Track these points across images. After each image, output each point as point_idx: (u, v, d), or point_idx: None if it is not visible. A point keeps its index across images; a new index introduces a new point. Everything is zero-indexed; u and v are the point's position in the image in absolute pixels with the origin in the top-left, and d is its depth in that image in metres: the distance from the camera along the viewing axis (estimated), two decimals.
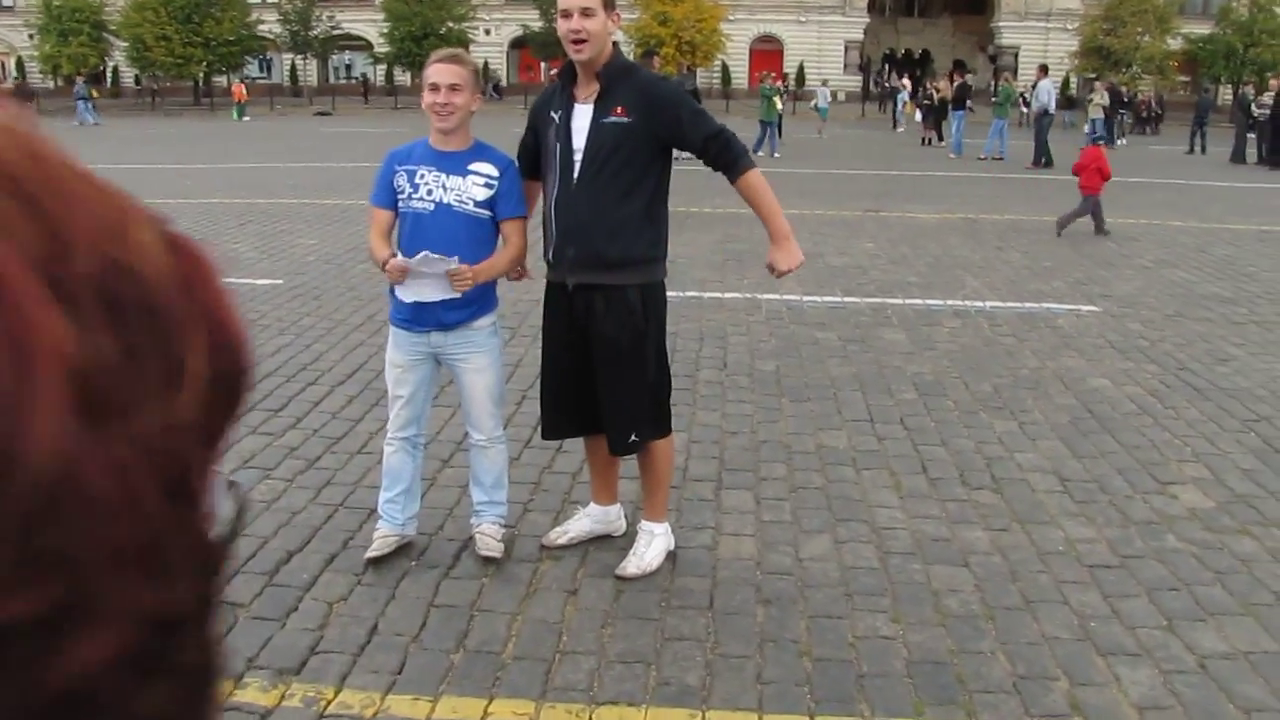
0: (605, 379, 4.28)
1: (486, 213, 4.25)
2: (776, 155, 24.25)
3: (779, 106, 25.62)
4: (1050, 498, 5.30)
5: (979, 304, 9.48)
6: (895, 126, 38.72)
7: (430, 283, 4.18)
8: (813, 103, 36.35)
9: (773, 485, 5.39)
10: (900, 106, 39.12)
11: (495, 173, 4.26)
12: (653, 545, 4.50)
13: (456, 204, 4.19)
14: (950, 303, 9.47)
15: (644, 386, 4.32)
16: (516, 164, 4.38)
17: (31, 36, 54.79)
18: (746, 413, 6.44)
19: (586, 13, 4.01)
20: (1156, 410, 6.61)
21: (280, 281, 9.93)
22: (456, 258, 4.12)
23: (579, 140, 4.13)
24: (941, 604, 4.27)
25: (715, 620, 4.11)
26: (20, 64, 60.70)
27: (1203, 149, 29.06)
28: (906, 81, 44.02)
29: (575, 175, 4.13)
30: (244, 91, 45.27)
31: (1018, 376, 7.28)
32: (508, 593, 4.30)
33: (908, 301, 9.49)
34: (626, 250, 4.15)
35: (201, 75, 54.39)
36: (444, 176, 4.21)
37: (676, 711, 3.53)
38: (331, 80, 61.07)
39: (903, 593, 4.35)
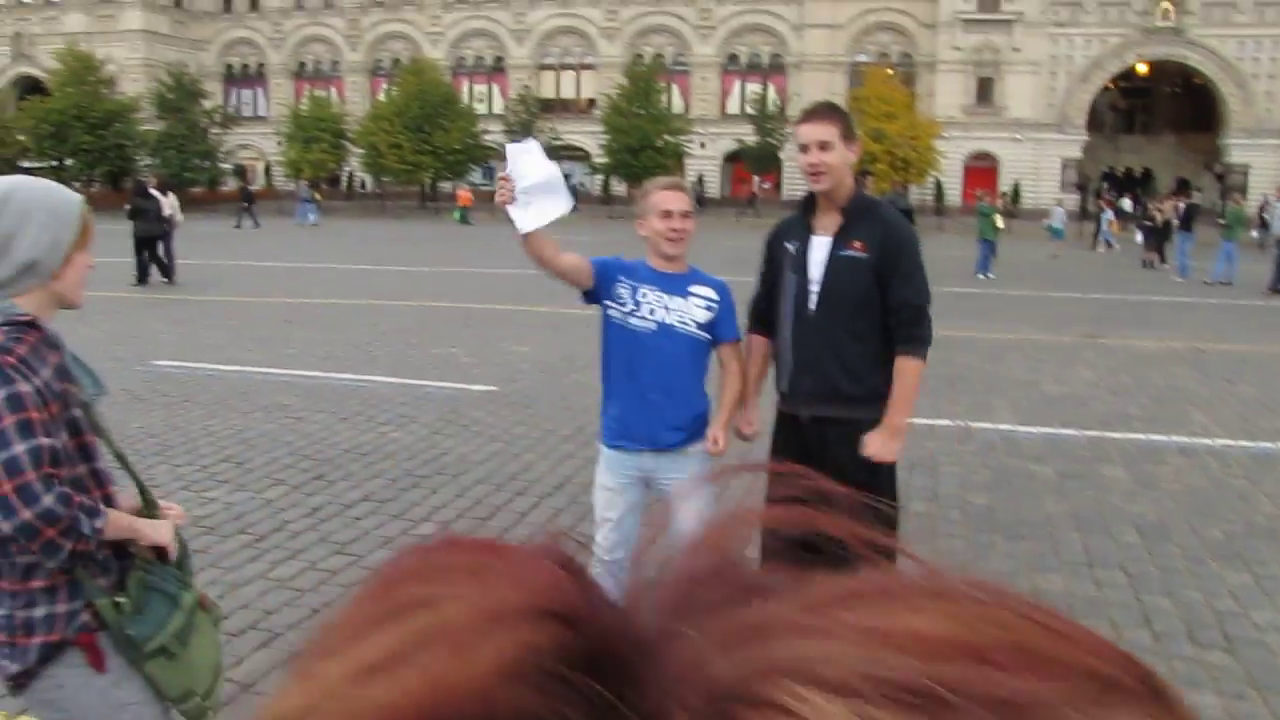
0: None
1: (706, 335, 4.29)
2: (991, 275, 23.80)
3: (999, 224, 25.15)
4: None
5: (1207, 441, 8.98)
6: (1095, 246, 37.43)
7: (548, 200, 3.98)
8: (1045, 222, 35.71)
9: None
10: (1105, 225, 37.86)
11: (715, 296, 4.31)
12: None
13: (679, 325, 4.22)
14: (1176, 439, 9.02)
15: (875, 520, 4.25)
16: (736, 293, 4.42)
17: (279, 143, 58.81)
18: (958, 549, 6.23)
19: (824, 146, 4.06)
20: None
21: (495, 388, 10.21)
22: (537, 142, 4.12)
23: (815, 272, 4.17)
24: None
25: None
26: (268, 168, 65.09)
27: None
28: (1106, 200, 42.60)
29: (812, 307, 4.16)
30: (469, 196, 47.54)
31: (1252, 524, 6.83)
32: None
33: (1129, 436, 9.07)
34: (862, 385, 4.15)
35: (428, 181, 57.32)
36: (666, 297, 4.25)
37: None
38: None
39: None
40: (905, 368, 4.13)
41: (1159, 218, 30.15)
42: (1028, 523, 6.76)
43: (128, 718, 2.37)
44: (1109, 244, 37.20)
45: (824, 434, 4.20)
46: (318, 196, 46.44)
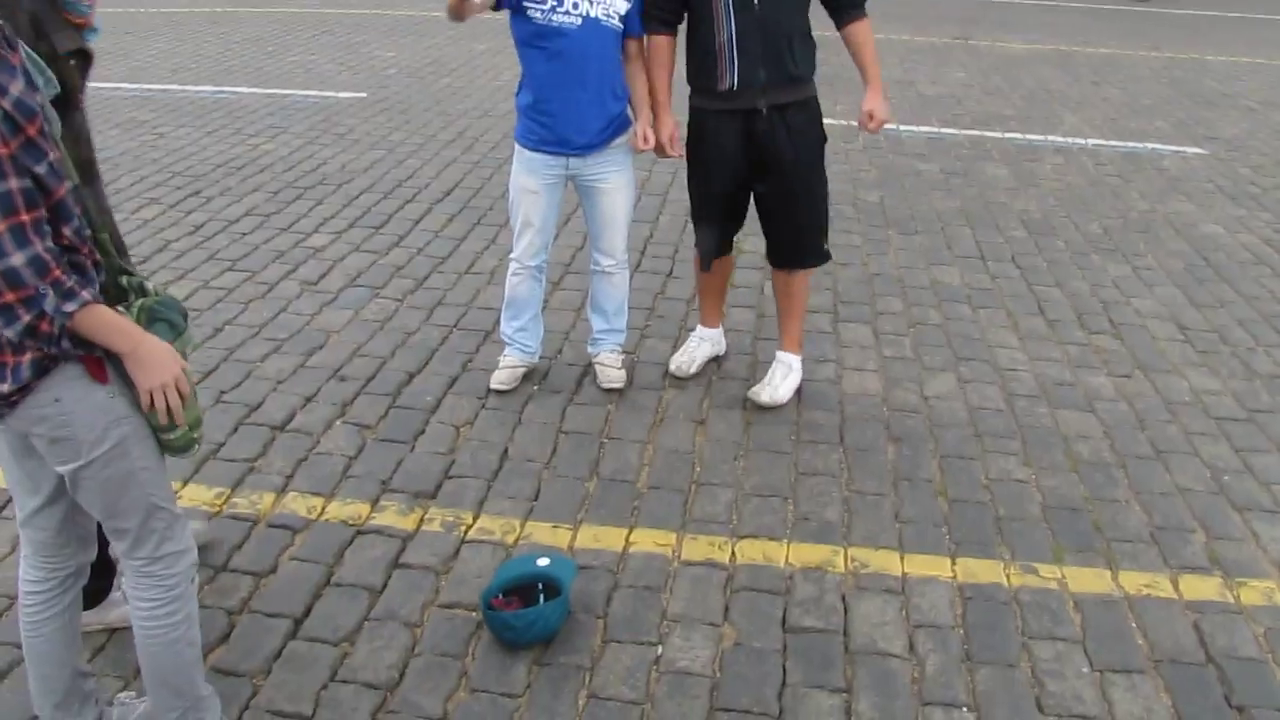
0: (799, 193, 4.26)
1: (622, 26, 4.05)
2: None
3: None
4: (1171, 346, 5.17)
5: (1080, 141, 9.15)
6: None
7: None
8: None
9: (890, 320, 5.30)
10: None
11: None
12: (788, 378, 4.48)
13: (604, 18, 3.94)
14: (1051, 138, 9.16)
15: (826, 194, 4.42)
16: None
17: None
18: (855, 244, 6.30)
19: None
20: (1274, 260, 6.40)
21: (364, 95, 9.74)
22: None
23: None
24: (1072, 449, 4.21)
25: (847, 456, 4.08)
26: None
27: None
28: None
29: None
30: None
31: (1127, 219, 7.05)
32: (635, 421, 4.28)
33: (1006, 135, 9.17)
34: (807, 63, 4.13)
35: None
36: None
37: (819, 548, 3.52)
38: None
39: (1031, 436, 4.29)
40: (863, 29, 4.22)
41: None
42: (919, 218, 6.85)
43: (127, 429, 2.21)
44: None
45: (784, 119, 4.11)
46: None
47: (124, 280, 2.27)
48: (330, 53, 11.81)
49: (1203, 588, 3.44)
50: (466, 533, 3.55)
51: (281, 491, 3.75)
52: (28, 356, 2.07)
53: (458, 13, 3.75)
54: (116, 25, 13.30)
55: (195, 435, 2.33)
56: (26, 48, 2.07)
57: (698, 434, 4.20)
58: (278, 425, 4.18)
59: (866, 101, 4.25)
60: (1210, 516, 3.81)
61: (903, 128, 9.09)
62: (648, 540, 3.53)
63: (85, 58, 2.54)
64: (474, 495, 3.75)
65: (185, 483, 3.78)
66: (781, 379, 4.48)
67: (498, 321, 4.68)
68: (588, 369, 4.65)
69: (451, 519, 3.62)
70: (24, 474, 2.35)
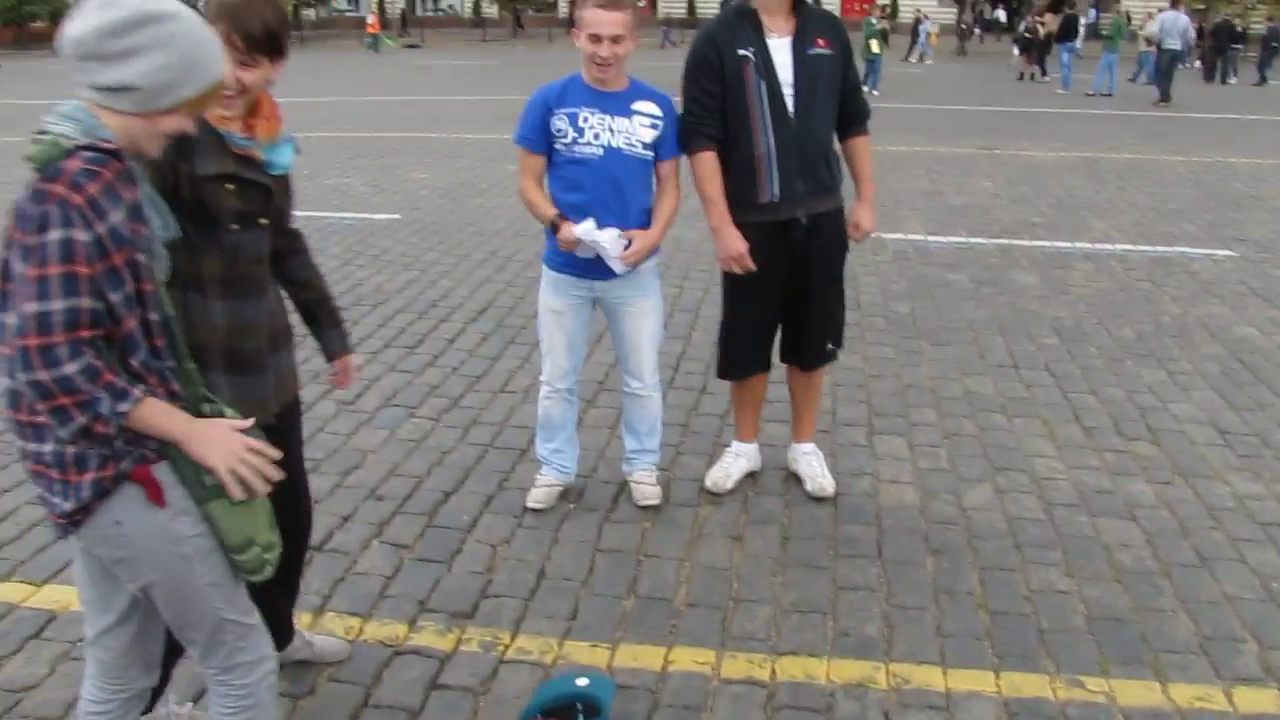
0: (821, 296, 4.42)
1: (651, 154, 4.12)
2: (877, 92, 23.74)
3: (874, 49, 24.59)
4: (1211, 451, 5.13)
5: (1109, 247, 9.20)
6: (909, 57, 37.01)
7: (595, 249, 4.05)
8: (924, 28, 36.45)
9: (925, 431, 5.28)
10: (924, 38, 37.41)
11: (659, 113, 4.10)
12: (823, 461, 4.72)
13: (626, 147, 4.02)
14: (1080, 245, 9.21)
15: (843, 295, 4.57)
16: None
17: None
18: (888, 356, 6.32)
19: None
20: None
21: (398, 216, 9.94)
22: (619, 231, 4.02)
23: (786, 74, 4.10)
24: (1114, 558, 4.15)
25: (887, 570, 4.04)
26: None
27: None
28: (926, 11, 41.88)
29: (792, 110, 4.10)
30: (377, 23, 46.13)
31: (1160, 324, 7.05)
32: (672, 538, 4.26)
33: (1036, 243, 9.24)
34: (838, 173, 4.34)
35: (293, 8, 54.47)
36: (610, 119, 4.03)
37: (860, 663, 3.47)
38: (418, 13, 60.83)
39: (1072, 546, 4.24)
40: (865, 144, 4.47)
41: (1041, 31, 30.25)
42: (950, 328, 6.87)
43: (188, 550, 2.23)
44: (923, 57, 37.13)
45: (818, 228, 4.27)
46: None
47: (205, 408, 2.30)
48: (365, 175, 12.10)
49: (1260, 699, 3.35)
50: (505, 653, 3.52)
51: (319, 611, 3.75)
52: (89, 477, 2.12)
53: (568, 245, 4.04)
54: None
55: (268, 557, 2.35)
56: (152, 190, 2.20)
57: (735, 550, 4.18)
58: (315, 545, 4.19)
59: (856, 212, 4.44)
60: (1262, 625, 3.73)
61: (930, 238, 9.17)
62: (687, 658, 3.49)
63: (239, 181, 2.61)
64: (512, 614, 3.73)
65: None
66: (823, 465, 4.65)
67: (533, 440, 4.70)
68: (623, 486, 4.64)
69: (490, 639, 3.60)
70: (97, 594, 2.39)
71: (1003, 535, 4.31)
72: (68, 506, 2.14)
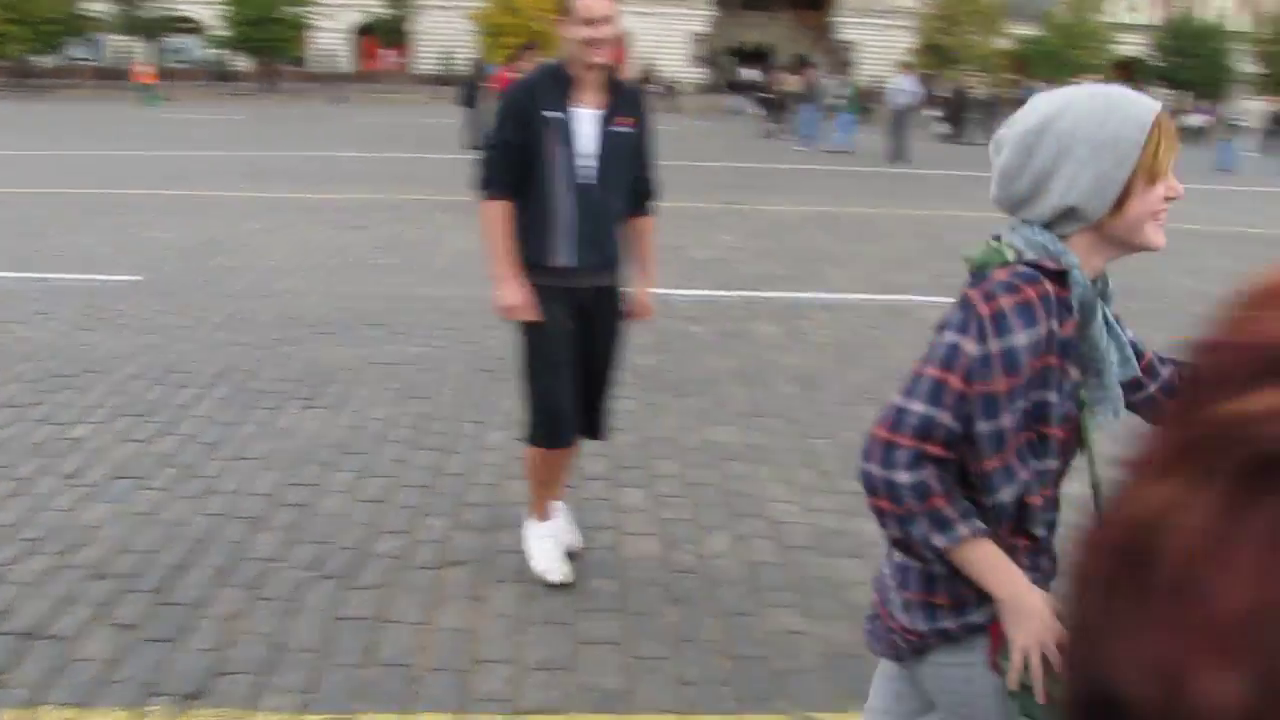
0: (605, 370, 4.42)
1: None
2: None
3: None
4: None
5: (845, 296, 9.67)
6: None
7: None
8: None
9: (666, 482, 5.41)
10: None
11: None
12: (570, 517, 4.72)
13: None
14: (818, 295, 9.65)
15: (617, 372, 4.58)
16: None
17: None
18: (631, 409, 6.43)
19: (608, 20, 4.00)
20: None
21: (139, 277, 9.53)
22: None
23: (586, 146, 4.05)
24: (845, 597, 4.34)
25: (628, 621, 4.10)
26: None
27: None
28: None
29: (592, 181, 4.07)
30: (153, 73, 43.20)
31: (887, 369, 7.43)
32: (414, 601, 4.21)
33: (776, 294, 9.62)
34: (623, 250, 4.32)
35: (18, 53, 51.15)
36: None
37: (601, 718, 3.51)
38: (168, 64, 58.68)
39: (807, 587, 4.41)
40: (650, 225, 4.44)
41: (784, 91, 31.70)
42: (693, 380, 7.07)
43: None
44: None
45: (600, 301, 4.27)
46: None
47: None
48: (101, 234, 11.56)
49: None
50: None
51: (30, 705, 3.52)
52: (970, 619, 1.97)
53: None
54: None
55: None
56: (1115, 325, 2.01)
57: (478, 611, 4.16)
58: (29, 633, 3.94)
59: (640, 294, 4.44)
60: None
61: (675, 292, 9.42)
62: None
63: None
64: (246, 691, 3.60)
65: None
66: (568, 523, 4.68)
67: (268, 509, 4.57)
68: (365, 551, 4.56)
69: (222, 719, 3.46)
70: (889, 692, 2.27)
71: (741, 581, 4.45)
72: (920, 627, 2.00)
